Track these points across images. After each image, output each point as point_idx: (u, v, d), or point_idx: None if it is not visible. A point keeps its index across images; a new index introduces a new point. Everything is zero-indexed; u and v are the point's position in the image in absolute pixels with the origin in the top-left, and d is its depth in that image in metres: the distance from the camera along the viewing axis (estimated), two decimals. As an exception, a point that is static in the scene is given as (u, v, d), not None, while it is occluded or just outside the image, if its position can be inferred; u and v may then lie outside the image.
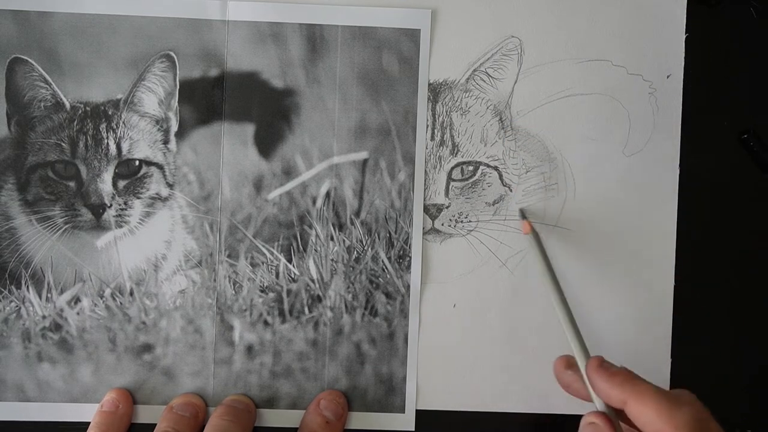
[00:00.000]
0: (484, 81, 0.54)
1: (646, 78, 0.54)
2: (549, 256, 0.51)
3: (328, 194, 0.53)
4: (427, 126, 0.53)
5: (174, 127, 0.53)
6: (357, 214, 0.53)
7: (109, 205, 0.51)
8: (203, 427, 0.50)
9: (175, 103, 0.53)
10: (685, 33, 0.54)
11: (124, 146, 0.52)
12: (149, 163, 0.52)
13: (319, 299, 0.53)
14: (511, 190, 0.54)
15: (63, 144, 0.51)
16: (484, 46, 0.53)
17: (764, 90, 0.55)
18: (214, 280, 0.53)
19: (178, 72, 0.52)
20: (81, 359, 0.52)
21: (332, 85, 0.53)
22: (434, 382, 0.54)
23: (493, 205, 0.54)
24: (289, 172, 0.53)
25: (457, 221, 0.54)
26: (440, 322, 0.54)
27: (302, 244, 0.53)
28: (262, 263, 0.53)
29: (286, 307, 0.53)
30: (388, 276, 0.53)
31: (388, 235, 0.53)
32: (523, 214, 0.53)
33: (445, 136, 0.54)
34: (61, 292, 0.52)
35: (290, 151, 0.53)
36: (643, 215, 0.54)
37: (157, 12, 0.52)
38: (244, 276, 0.53)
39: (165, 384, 0.53)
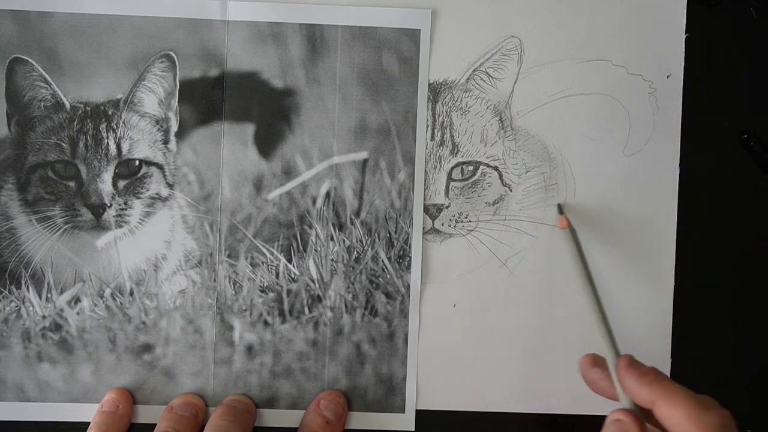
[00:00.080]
0: (484, 81, 0.54)
1: (646, 78, 0.54)
2: (584, 250, 0.51)
3: (328, 194, 0.53)
4: (427, 126, 0.53)
5: (174, 127, 0.53)
6: (357, 214, 0.53)
7: (109, 205, 0.51)
8: (203, 427, 0.50)
9: (175, 103, 0.53)
10: (685, 33, 0.54)
11: (124, 146, 0.52)
12: (149, 163, 0.52)
13: (319, 299, 0.53)
14: (511, 190, 0.54)
15: (63, 144, 0.51)
16: (484, 46, 0.53)
17: (764, 90, 0.55)
18: (214, 280, 0.53)
19: (178, 72, 0.52)
20: (81, 359, 0.52)
21: (332, 85, 0.53)
22: (434, 382, 0.54)
23: (493, 205, 0.54)
24: (289, 172, 0.53)
25: (457, 221, 0.54)
26: (440, 322, 0.54)
27: (302, 244, 0.53)
28: (262, 263, 0.53)
29: (286, 307, 0.53)
30: (388, 276, 0.53)
31: (388, 235, 0.53)
32: (561, 209, 0.53)
33: (445, 136, 0.54)
34: (61, 292, 0.52)
35: (290, 151, 0.53)
36: (643, 215, 0.54)
37: (157, 12, 0.52)
38: (244, 276, 0.53)
39: (165, 384, 0.53)
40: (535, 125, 0.54)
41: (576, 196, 0.54)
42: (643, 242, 0.54)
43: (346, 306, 0.53)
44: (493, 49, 0.53)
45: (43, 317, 0.52)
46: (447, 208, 0.54)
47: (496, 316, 0.54)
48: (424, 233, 0.54)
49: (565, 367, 0.53)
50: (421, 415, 0.54)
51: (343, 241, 0.53)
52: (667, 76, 0.54)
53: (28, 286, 0.52)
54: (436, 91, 0.53)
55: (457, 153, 0.54)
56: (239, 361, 0.53)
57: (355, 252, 0.53)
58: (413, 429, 0.53)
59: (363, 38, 0.53)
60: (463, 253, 0.54)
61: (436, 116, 0.54)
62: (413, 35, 0.53)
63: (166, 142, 0.53)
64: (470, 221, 0.54)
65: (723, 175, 0.55)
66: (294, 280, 0.53)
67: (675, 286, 0.54)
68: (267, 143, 0.53)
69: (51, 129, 0.52)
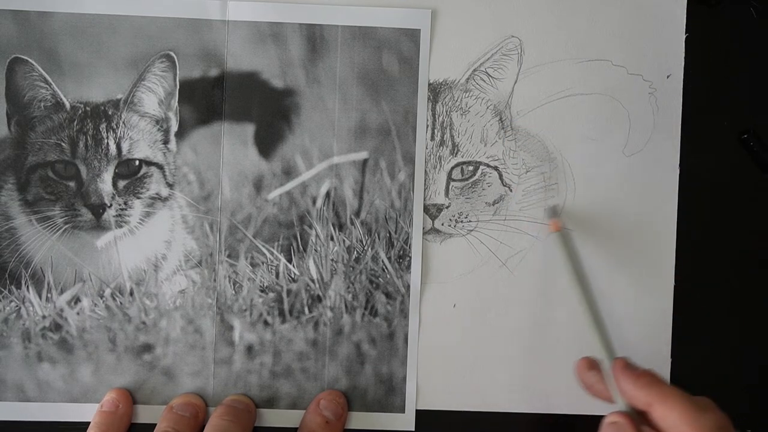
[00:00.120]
0: (484, 81, 0.54)
1: (646, 78, 0.54)
2: (576, 252, 0.51)
3: (328, 194, 0.53)
4: (427, 126, 0.53)
5: (174, 127, 0.53)
6: (357, 214, 0.53)
7: (109, 205, 0.51)
8: (203, 427, 0.50)
9: (175, 103, 0.53)
10: (685, 33, 0.54)
11: (124, 146, 0.52)
12: (149, 163, 0.52)
13: (319, 299, 0.53)
14: (511, 190, 0.54)
15: (63, 144, 0.51)
16: (484, 46, 0.53)
17: (764, 90, 0.55)
18: (214, 280, 0.53)
19: (178, 72, 0.52)
20: (81, 359, 0.52)
21: (332, 85, 0.53)
22: (434, 382, 0.54)
23: (493, 205, 0.54)
24: (289, 172, 0.53)
25: (457, 221, 0.54)
26: (440, 322, 0.54)
27: (302, 244, 0.53)
28: (262, 263, 0.53)
29: (286, 307, 0.53)
30: (388, 276, 0.53)
31: (388, 235, 0.53)
32: (553, 212, 0.53)
33: (445, 136, 0.54)
34: (61, 292, 0.52)
35: (290, 151, 0.53)
36: (643, 215, 0.54)
37: (157, 12, 0.52)
38: (244, 276, 0.53)
39: (165, 384, 0.53)
40: (535, 125, 0.54)
41: (576, 196, 0.54)
42: (643, 242, 0.54)
43: (346, 306, 0.53)
44: (493, 49, 0.53)
45: (43, 317, 0.52)
46: (447, 208, 0.54)
47: (496, 316, 0.54)
48: (424, 233, 0.54)
49: (565, 366, 0.53)
50: (421, 415, 0.54)
51: (343, 241, 0.53)
52: (667, 76, 0.54)
53: (28, 286, 0.52)
54: (436, 91, 0.53)
55: (457, 153, 0.54)
56: (239, 361, 0.53)
57: (355, 252, 0.53)
58: (413, 429, 0.53)
59: (363, 38, 0.53)
60: (463, 253, 0.54)
61: (436, 116, 0.54)
62: (413, 35, 0.53)
63: (166, 142, 0.53)
64: (470, 221, 0.54)
65: (723, 175, 0.55)
66: (294, 280, 0.53)
67: (675, 286, 0.54)
68: (267, 143, 0.53)
69: (51, 129, 0.52)
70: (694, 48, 0.54)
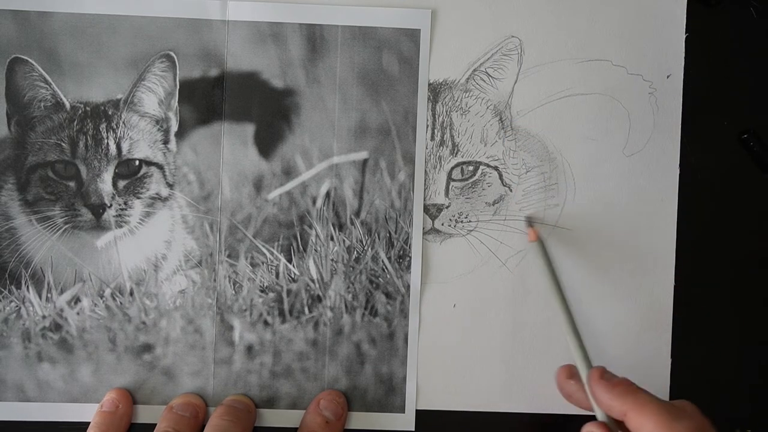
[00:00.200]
0: (484, 81, 0.54)
1: (646, 78, 0.54)
2: (553, 262, 0.52)
3: (328, 194, 0.53)
4: (427, 126, 0.53)
5: (174, 127, 0.53)
6: (357, 214, 0.53)
7: (109, 205, 0.51)
8: (203, 427, 0.50)
9: (175, 103, 0.53)
10: (685, 33, 0.54)
11: (124, 146, 0.52)
12: (149, 163, 0.52)
13: (319, 299, 0.53)
14: (511, 190, 0.54)
15: (63, 144, 0.51)
16: (484, 46, 0.53)
17: (764, 90, 0.55)
18: (214, 280, 0.53)
19: (178, 72, 0.52)
20: (81, 359, 0.52)
21: (332, 85, 0.53)
22: (434, 382, 0.54)
23: (493, 205, 0.54)
24: (289, 172, 0.53)
25: (457, 221, 0.54)
26: (440, 322, 0.54)
27: (302, 244, 0.53)
28: (262, 263, 0.53)
29: (286, 307, 0.53)
30: (388, 276, 0.53)
31: (388, 235, 0.53)
32: (531, 222, 0.53)
33: (445, 136, 0.54)
34: (61, 292, 0.52)
35: (290, 151, 0.53)
36: (643, 215, 0.54)
37: (157, 12, 0.52)
38: (244, 276, 0.53)
39: (165, 384, 0.53)
40: (535, 125, 0.54)
41: (576, 196, 0.54)
42: (643, 242, 0.54)
43: (346, 306, 0.53)
44: (493, 49, 0.53)
45: (43, 317, 0.52)
46: (447, 208, 0.54)
47: (496, 316, 0.54)
48: (424, 233, 0.54)
49: (565, 367, 0.53)
50: (421, 415, 0.54)
51: (343, 241, 0.53)
52: (667, 76, 0.54)
53: (28, 286, 0.52)
54: (436, 91, 0.53)
55: (457, 153, 0.54)
56: (239, 361, 0.53)
57: (355, 252, 0.53)
58: (413, 429, 0.53)
59: (363, 38, 0.53)
60: (463, 253, 0.54)
61: (436, 116, 0.54)
62: (413, 35, 0.53)
63: (166, 142, 0.53)
64: (470, 221, 0.54)
65: (723, 175, 0.55)
66: (294, 280, 0.53)
67: (675, 286, 0.54)
68: (267, 143, 0.53)
69: (51, 129, 0.52)
70: (694, 48, 0.54)
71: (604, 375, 0.45)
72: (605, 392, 0.44)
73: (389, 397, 0.53)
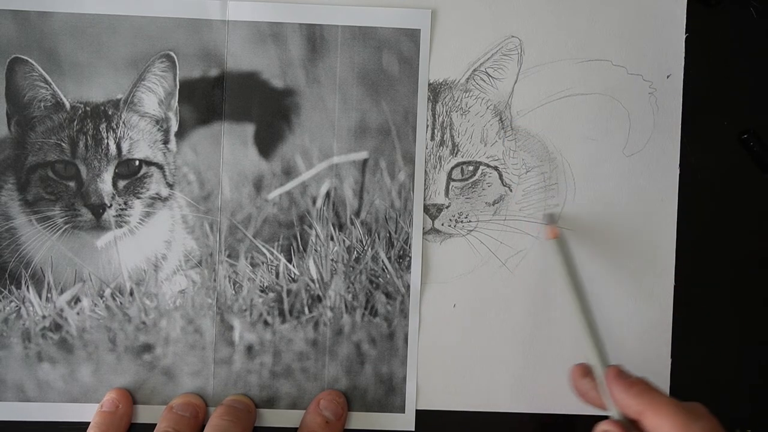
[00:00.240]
0: (484, 81, 0.54)
1: (646, 78, 0.54)
2: (573, 260, 0.52)
3: (328, 194, 0.53)
4: (427, 126, 0.53)
5: (174, 127, 0.53)
6: (357, 214, 0.53)
7: (109, 205, 0.51)
8: (203, 427, 0.50)
9: (175, 103, 0.53)
10: (685, 33, 0.54)
11: (124, 146, 0.52)
12: (149, 163, 0.52)
13: (319, 299, 0.53)
14: (511, 190, 0.54)
15: (63, 144, 0.51)
16: (484, 46, 0.53)
17: (764, 90, 0.55)
18: (214, 280, 0.53)
19: (178, 72, 0.52)
20: (81, 359, 0.52)
21: (332, 85, 0.53)
22: (434, 382, 0.54)
23: (493, 205, 0.54)
24: (289, 172, 0.53)
25: (457, 221, 0.54)
26: (440, 322, 0.54)
27: (302, 244, 0.53)
28: (262, 263, 0.53)
29: (286, 307, 0.53)
30: (388, 276, 0.53)
31: (388, 235, 0.53)
32: (550, 219, 0.53)
33: (445, 136, 0.54)
34: (61, 292, 0.52)
35: (290, 151, 0.53)
36: (643, 215, 0.54)
37: (157, 12, 0.52)
38: (244, 276, 0.53)
39: (165, 384, 0.53)
40: (535, 125, 0.54)
41: (576, 196, 0.54)
42: (643, 242, 0.54)
43: (346, 306, 0.53)
44: (493, 49, 0.53)
45: (43, 317, 0.52)
46: (447, 208, 0.54)
47: (496, 316, 0.54)
48: (424, 233, 0.54)
49: (565, 367, 0.53)
50: (421, 415, 0.54)
51: (343, 241, 0.53)
52: (667, 76, 0.54)
53: (28, 286, 0.52)
54: (436, 91, 0.53)
55: (457, 153, 0.54)
56: (239, 361, 0.53)
57: (355, 252, 0.53)
58: (413, 429, 0.53)
59: (363, 38, 0.53)
60: (463, 253, 0.54)
61: (436, 116, 0.54)
62: (413, 35, 0.53)
63: (166, 142, 0.53)
64: (470, 221, 0.54)
65: (723, 175, 0.55)
66: (294, 280, 0.53)
67: (675, 286, 0.54)
68: (267, 143, 0.53)
69: (51, 129, 0.52)
70: (694, 48, 0.54)
71: (621, 373, 0.45)
72: (622, 391, 0.44)
73: (389, 397, 0.53)
